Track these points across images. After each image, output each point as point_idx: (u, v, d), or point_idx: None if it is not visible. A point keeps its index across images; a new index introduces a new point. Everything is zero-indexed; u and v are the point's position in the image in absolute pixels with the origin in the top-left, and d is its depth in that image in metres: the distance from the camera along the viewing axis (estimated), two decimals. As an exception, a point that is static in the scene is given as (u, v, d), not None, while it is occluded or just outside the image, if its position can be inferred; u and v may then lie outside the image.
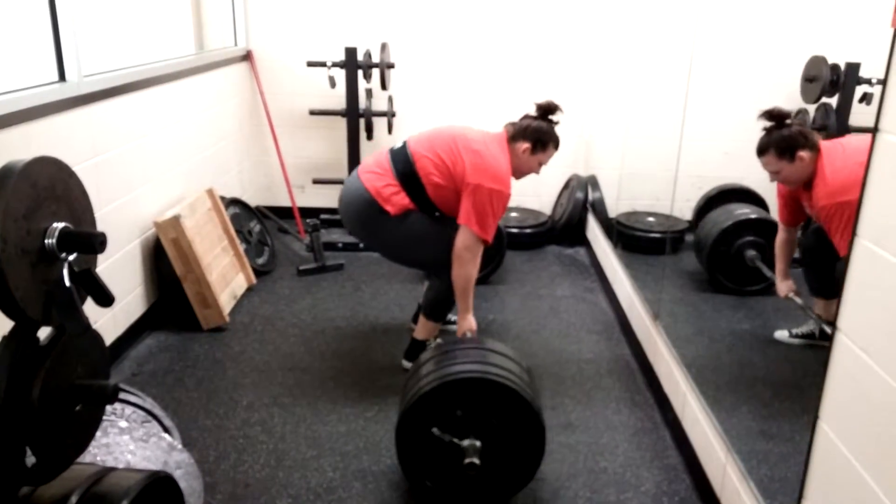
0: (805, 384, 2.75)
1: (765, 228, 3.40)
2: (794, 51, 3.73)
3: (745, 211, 3.53)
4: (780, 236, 2.90)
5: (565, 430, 2.55)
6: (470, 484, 2.12)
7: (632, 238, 4.02)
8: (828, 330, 2.79)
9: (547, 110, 2.71)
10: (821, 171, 2.48)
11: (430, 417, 2.07)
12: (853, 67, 3.53)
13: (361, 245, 3.82)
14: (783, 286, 2.94)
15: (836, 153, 2.48)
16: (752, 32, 3.81)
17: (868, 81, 3.48)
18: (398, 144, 2.72)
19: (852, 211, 2.36)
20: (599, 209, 4.30)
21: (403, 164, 2.64)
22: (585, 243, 4.42)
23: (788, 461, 2.19)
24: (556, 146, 2.74)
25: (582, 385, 2.85)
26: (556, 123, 2.73)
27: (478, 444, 2.05)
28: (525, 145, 2.66)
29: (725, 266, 3.48)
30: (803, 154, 2.51)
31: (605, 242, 3.94)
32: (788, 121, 2.57)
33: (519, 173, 2.74)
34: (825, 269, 2.76)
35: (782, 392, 2.73)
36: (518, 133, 2.68)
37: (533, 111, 2.73)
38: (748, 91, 3.96)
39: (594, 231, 4.23)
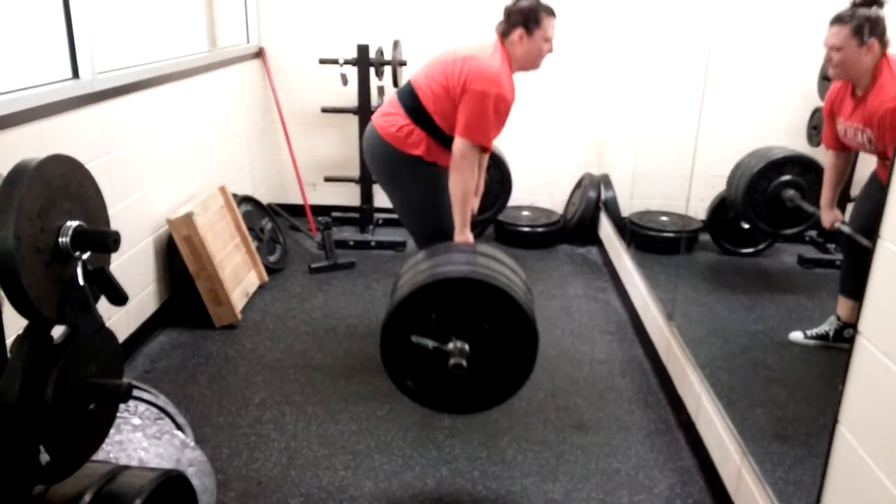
0: (821, 386, 2.73)
1: (800, 166, 3.28)
2: (812, 48, 3.68)
3: (777, 151, 3.40)
4: (829, 161, 2.79)
5: (578, 430, 2.53)
6: (456, 390, 2.04)
7: (645, 237, 3.99)
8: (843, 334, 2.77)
9: None
10: (884, 75, 2.40)
11: (416, 318, 1.97)
12: (871, 65, 3.48)
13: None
14: (829, 216, 2.82)
15: None
16: (769, 30, 3.77)
17: (887, 80, 3.43)
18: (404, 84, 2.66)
19: None
20: (612, 208, 4.27)
21: (410, 100, 2.58)
22: (598, 243, 4.40)
23: (804, 464, 2.17)
24: (551, 13, 2.57)
25: (594, 385, 2.83)
26: None
27: (466, 347, 1.95)
28: (518, 31, 2.53)
29: (762, 210, 3.36)
30: (873, 43, 2.42)
31: (617, 242, 3.91)
32: (878, 5, 2.46)
33: (530, 62, 2.59)
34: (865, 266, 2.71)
35: (797, 394, 2.71)
36: (506, 26, 2.56)
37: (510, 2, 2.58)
38: (764, 89, 3.92)
39: (607, 230, 4.20)
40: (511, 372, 2.05)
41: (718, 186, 3.92)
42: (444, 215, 2.61)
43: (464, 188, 2.53)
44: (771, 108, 3.98)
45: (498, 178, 3.66)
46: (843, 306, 2.84)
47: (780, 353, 3.02)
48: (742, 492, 2.02)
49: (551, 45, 2.60)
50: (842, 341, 2.79)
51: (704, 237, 3.99)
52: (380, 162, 2.67)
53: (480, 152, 2.55)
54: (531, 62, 2.60)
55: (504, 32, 2.56)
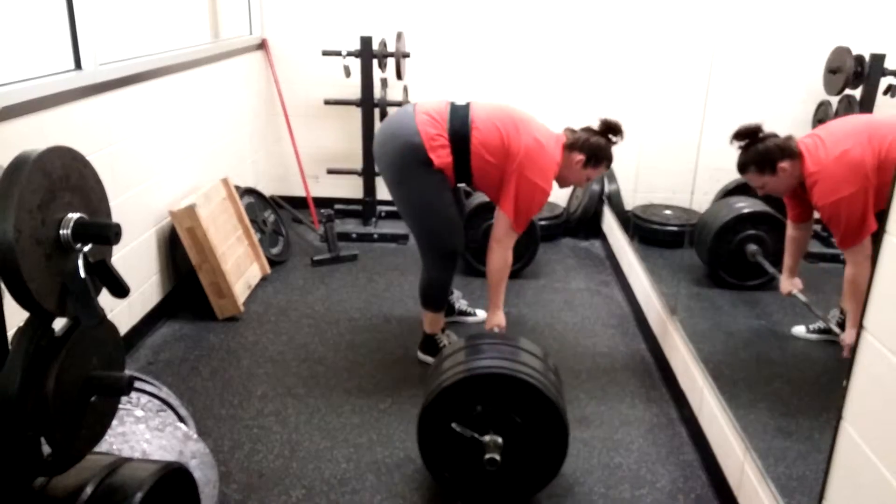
0: (824, 381, 2.72)
1: (767, 222, 3.36)
2: (818, 41, 3.66)
3: (745, 204, 3.48)
4: (789, 233, 2.84)
5: (580, 424, 2.53)
6: (490, 479, 2.10)
7: (648, 231, 3.98)
8: (835, 329, 2.77)
9: (610, 128, 2.64)
10: (809, 173, 2.46)
11: (451, 411, 2.05)
12: (878, 58, 3.46)
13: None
14: (787, 284, 2.89)
15: (818, 150, 2.46)
16: (775, 23, 3.74)
17: (893, 73, 3.41)
18: (460, 102, 2.62)
19: (848, 205, 2.35)
20: (615, 202, 4.26)
21: (461, 125, 2.54)
22: (601, 236, 4.39)
23: (807, 459, 2.17)
24: (608, 166, 2.71)
25: (597, 379, 2.83)
26: (615, 143, 2.67)
27: (499, 440, 2.02)
28: (580, 157, 2.61)
29: (726, 260, 3.46)
30: (784, 165, 2.50)
31: (620, 235, 3.90)
32: (761, 134, 2.56)
33: (565, 182, 2.71)
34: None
35: (801, 389, 2.70)
36: (576, 143, 2.62)
37: (596, 125, 2.66)
38: (769, 82, 3.90)
39: (610, 224, 4.19)
40: (542, 463, 2.11)
41: (723, 180, 3.90)
42: (439, 219, 2.65)
43: (499, 272, 2.67)
44: (776, 101, 3.95)
45: (529, 233, 3.68)
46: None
47: (783, 347, 3.01)
48: (745, 487, 2.02)
49: (586, 183, 2.77)
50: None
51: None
52: (400, 154, 2.58)
53: (515, 235, 2.65)
54: (567, 182, 2.72)
55: (570, 145, 2.63)
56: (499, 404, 2.04)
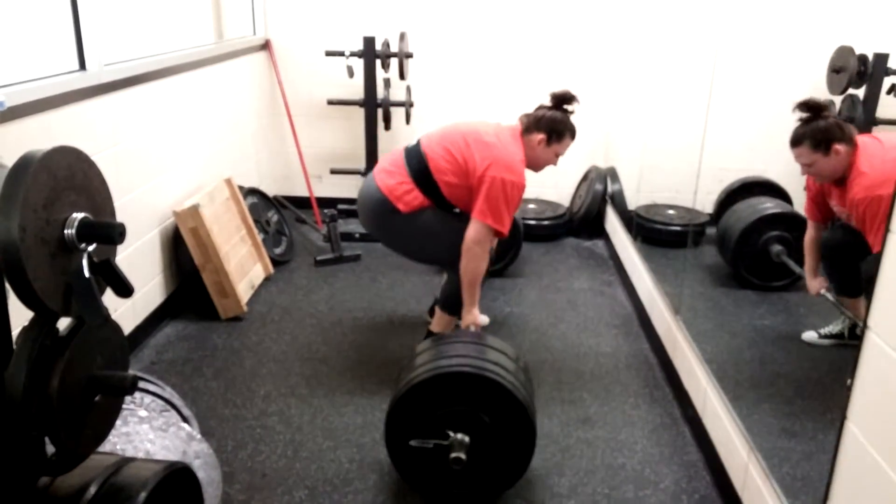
0: (828, 381, 2.71)
1: (791, 223, 3.34)
2: (821, 41, 3.65)
3: (770, 205, 3.46)
4: (809, 234, 2.83)
5: (583, 425, 2.53)
6: (458, 478, 2.09)
7: (652, 231, 3.98)
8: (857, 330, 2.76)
9: (562, 100, 2.66)
10: (857, 165, 2.42)
11: (419, 410, 2.04)
12: (881, 58, 3.45)
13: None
14: (814, 284, 2.87)
15: (874, 148, 2.43)
16: (778, 22, 3.73)
17: (897, 72, 3.40)
18: (412, 143, 2.70)
19: (889, 204, 2.31)
20: (618, 201, 4.26)
21: (417, 163, 2.61)
22: (604, 236, 4.38)
23: (811, 460, 2.16)
24: (573, 136, 2.70)
25: (600, 379, 2.82)
26: (572, 113, 2.68)
27: (466, 439, 2.01)
28: (539, 136, 2.62)
29: (750, 261, 3.42)
30: (839, 147, 2.44)
31: (624, 235, 3.90)
32: (825, 112, 2.50)
33: (536, 165, 2.70)
34: (849, 266, 2.71)
35: (805, 389, 2.69)
36: (532, 124, 2.64)
37: (548, 101, 2.69)
38: (772, 82, 3.89)
39: (613, 223, 4.19)
40: (511, 461, 2.10)
41: (726, 179, 3.89)
42: (442, 238, 2.66)
43: (475, 273, 2.61)
44: (780, 101, 3.94)
45: (512, 231, 3.69)
46: (845, 304, 2.82)
47: (787, 347, 3.00)
48: (749, 487, 2.01)
49: (557, 160, 2.72)
50: (856, 338, 2.77)
51: (711, 231, 3.97)
52: (371, 213, 2.69)
53: (494, 236, 2.60)
54: (538, 165, 2.71)
55: (527, 129, 2.64)
56: (467, 404, 2.02)
